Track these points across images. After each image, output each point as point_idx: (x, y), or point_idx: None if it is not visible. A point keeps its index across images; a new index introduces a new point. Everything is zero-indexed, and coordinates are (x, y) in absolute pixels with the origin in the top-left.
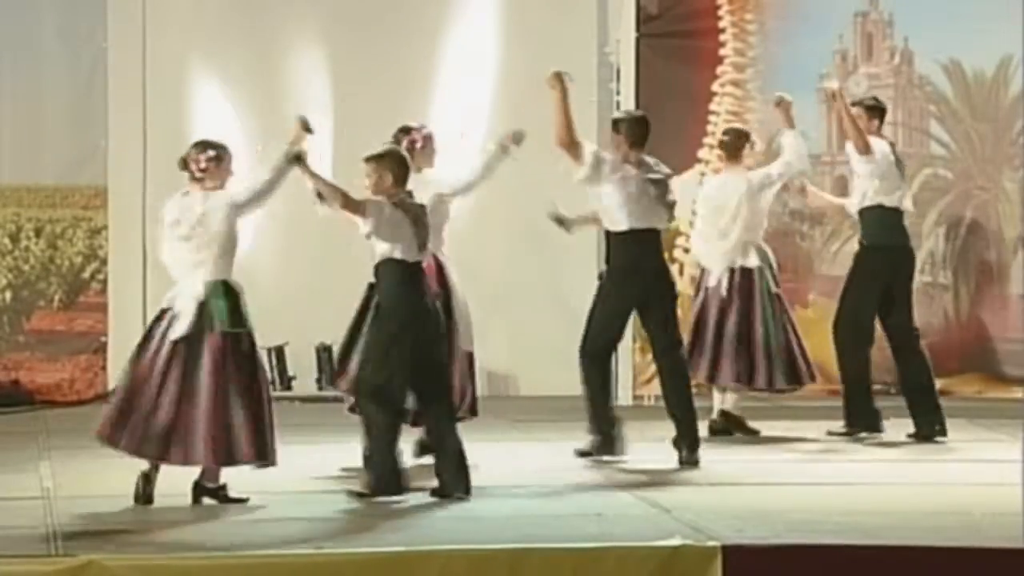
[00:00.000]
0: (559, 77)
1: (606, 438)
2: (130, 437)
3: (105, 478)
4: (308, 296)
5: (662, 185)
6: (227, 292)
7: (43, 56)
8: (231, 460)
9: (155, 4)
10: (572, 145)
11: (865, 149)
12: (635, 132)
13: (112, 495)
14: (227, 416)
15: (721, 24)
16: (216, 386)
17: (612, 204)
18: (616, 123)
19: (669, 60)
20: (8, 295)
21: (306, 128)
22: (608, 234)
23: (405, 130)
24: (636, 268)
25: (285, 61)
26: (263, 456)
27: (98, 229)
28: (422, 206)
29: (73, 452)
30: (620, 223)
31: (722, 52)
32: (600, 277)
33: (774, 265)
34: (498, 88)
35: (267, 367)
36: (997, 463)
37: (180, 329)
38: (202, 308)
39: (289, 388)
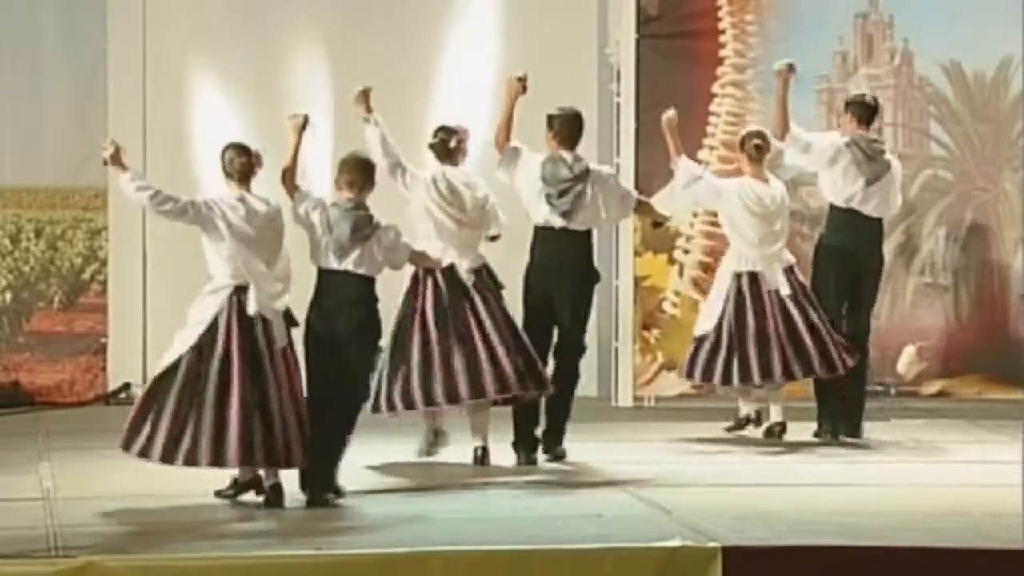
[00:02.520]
0: (519, 85)
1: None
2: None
3: (105, 479)
4: (308, 297)
5: (567, 184)
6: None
7: (43, 56)
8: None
9: (155, 4)
10: (498, 147)
11: (779, 135)
12: (563, 129)
13: (112, 496)
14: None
15: (721, 25)
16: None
17: (523, 200)
18: (549, 120)
19: (669, 61)
20: (8, 296)
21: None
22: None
23: (449, 130)
24: (544, 266)
25: (285, 61)
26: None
27: (98, 230)
28: (365, 217)
29: (73, 453)
30: (534, 218)
31: (722, 53)
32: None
33: None
34: (498, 88)
35: None
36: (997, 464)
37: (283, 337)
38: (289, 315)
39: None
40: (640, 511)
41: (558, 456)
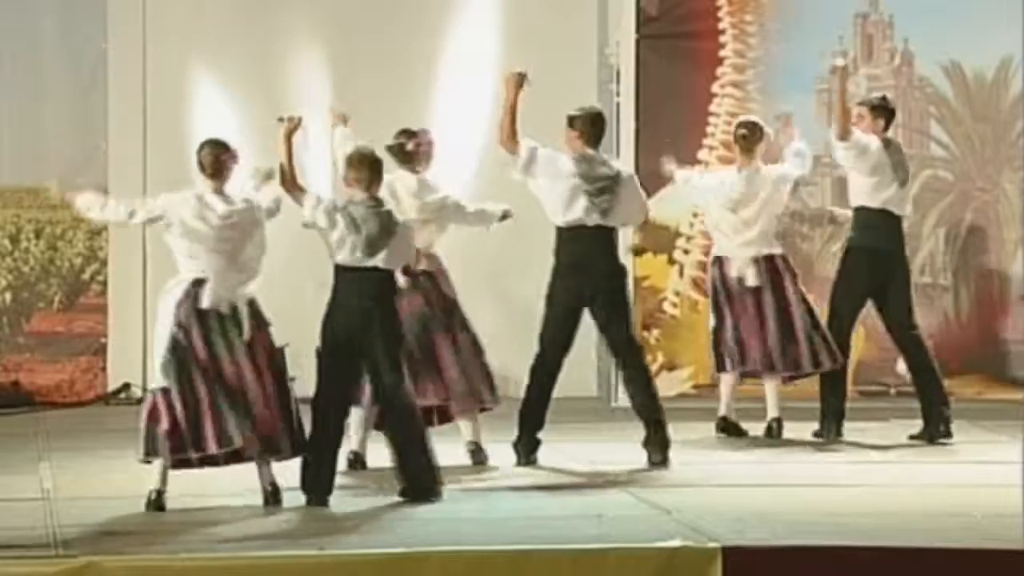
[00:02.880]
0: (519, 79)
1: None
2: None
3: (105, 479)
4: (308, 297)
5: (606, 182)
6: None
7: (43, 57)
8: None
9: (155, 5)
10: (512, 144)
11: (843, 135)
12: (588, 128)
13: (112, 496)
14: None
15: (721, 25)
16: (275, 383)
17: (547, 199)
18: (571, 119)
19: (669, 61)
20: (8, 296)
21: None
22: (556, 230)
23: (410, 133)
24: (576, 265)
25: (285, 62)
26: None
27: (98, 230)
28: (387, 213)
29: (73, 454)
30: (558, 218)
31: (722, 53)
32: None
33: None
34: (498, 88)
35: None
36: (998, 464)
37: (247, 328)
38: (253, 305)
39: None
40: (640, 511)
41: (658, 463)
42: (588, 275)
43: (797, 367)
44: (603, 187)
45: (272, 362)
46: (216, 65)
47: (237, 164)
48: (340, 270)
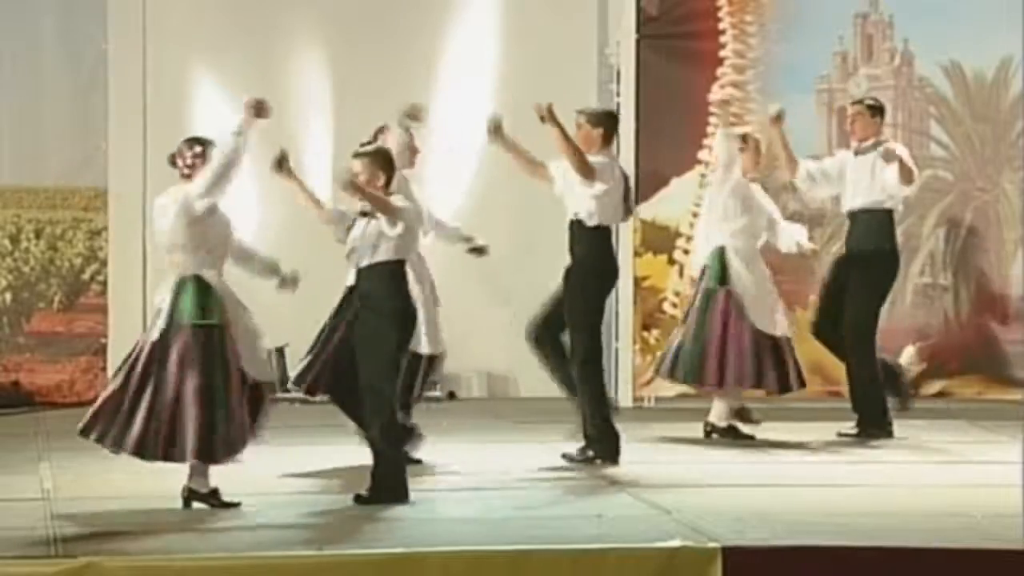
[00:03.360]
0: (551, 112)
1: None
2: (117, 433)
3: (105, 479)
4: (309, 297)
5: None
6: (197, 287)
7: (43, 57)
8: (182, 456)
9: (155, 5)
10: (590, 171)
11: (911, 181)
12: (612, 128)
13: (112, 496)
14: (183, 412)
15: (721, 26)
16: (179, 382)
17: (610, 201)
18: (594, 117)
19: (669, 62)
20: (8, 296)
21: (259, 112)
22: (584, 228)
23: (383, 130)
24: (609, 264)
25: (285, 62)
26: (210, 454)
27: (98, 231)
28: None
29: (73, 453)
30: (605, 219)
31: (722, 54)
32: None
33: (729, 263)
34: (498, 88)
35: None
36: (998, 464)
37: (158, 326)
38: (174, 304)
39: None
40: (640, 511)
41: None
42: (608, 275)
43: (702, 383)
44: (630, 188)
45: (178, 366)
46: (216, 65)
47: (188, 162)
48: (403, 266)
